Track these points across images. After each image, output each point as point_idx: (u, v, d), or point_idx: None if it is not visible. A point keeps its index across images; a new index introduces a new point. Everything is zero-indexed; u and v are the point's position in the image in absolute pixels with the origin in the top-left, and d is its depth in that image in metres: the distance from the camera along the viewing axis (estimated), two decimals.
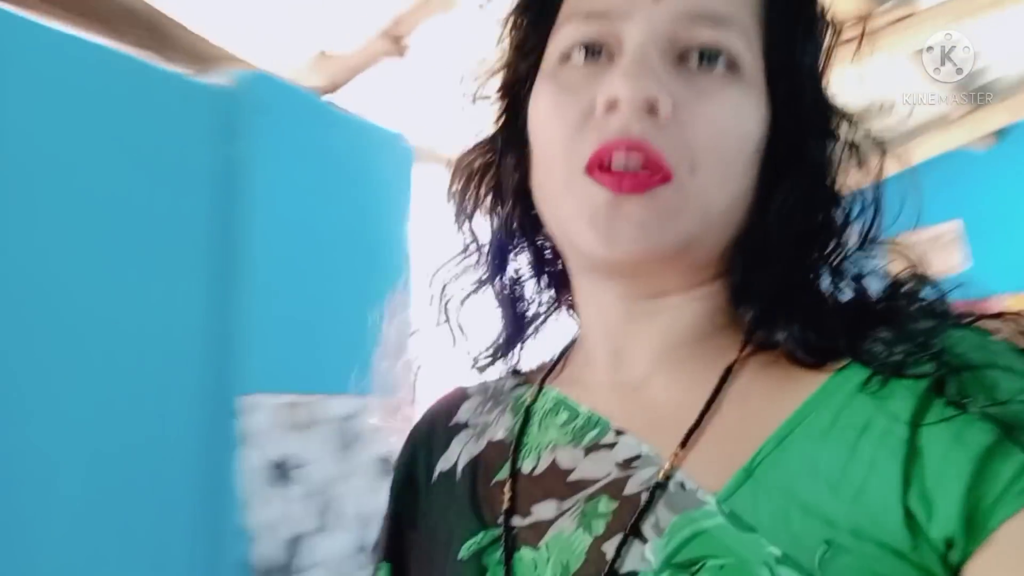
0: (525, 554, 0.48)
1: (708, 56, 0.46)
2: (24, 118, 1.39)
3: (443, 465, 0.57)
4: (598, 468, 0.48)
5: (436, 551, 0.53)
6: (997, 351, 0.43)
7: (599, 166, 0.45)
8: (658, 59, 0.45)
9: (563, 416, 0.53)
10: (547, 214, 0.51)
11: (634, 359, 0.52)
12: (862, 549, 0.40)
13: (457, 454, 0.56)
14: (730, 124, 0.46)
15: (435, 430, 0.60)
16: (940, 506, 0.39)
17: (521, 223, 0.56)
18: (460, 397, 0.61)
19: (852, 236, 0.49)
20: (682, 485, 0.46)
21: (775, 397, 0.46)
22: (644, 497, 0.45)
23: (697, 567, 0.42)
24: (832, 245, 0.49)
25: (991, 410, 0.39)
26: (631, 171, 0.44)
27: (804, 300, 0.48)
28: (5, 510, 1.30)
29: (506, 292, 0.58)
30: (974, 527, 0.38)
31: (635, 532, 0.45)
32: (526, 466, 0.52)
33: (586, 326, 0.55)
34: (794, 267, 0.48)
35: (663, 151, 0.44)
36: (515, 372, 0.60)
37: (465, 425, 0.58)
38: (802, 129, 0.49)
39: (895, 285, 0.48)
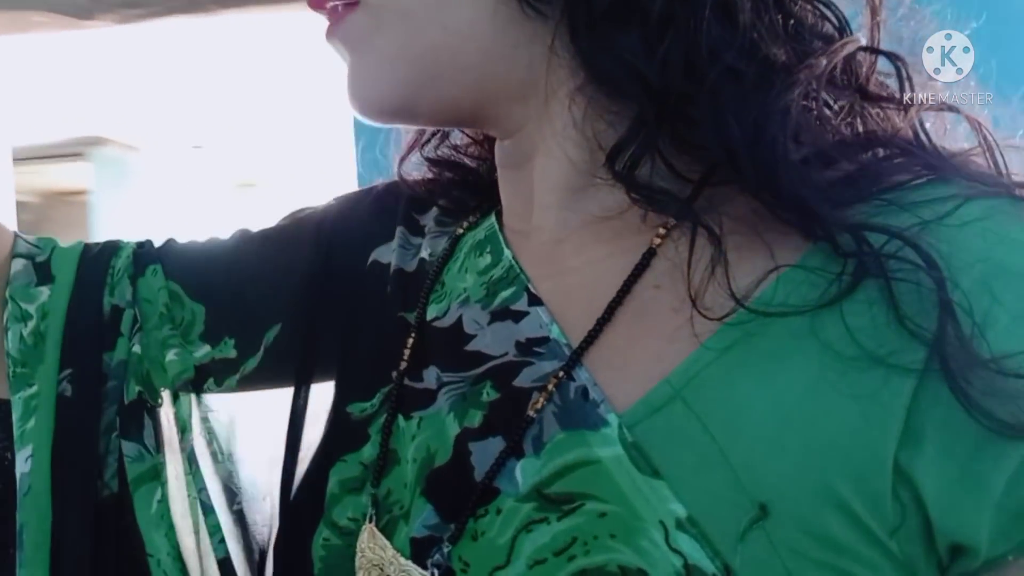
0: (403, 424, 0.40)
1: None
2: None
3: (382, 256, 0.47)
4: (497, 344, 0.38)
5: (349, 367, 0.45)
6: None
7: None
8: None
9: (486, 259, 0.42)
10: None
11: (541, 207, 0.40)
12: (812, 520, 0.28)
13: (393, 255, 0.46)
14: None
15: (394, 209, 0.48)
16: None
17: None
18: (441, 191, 0.48)
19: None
20: (584, 392, 0.34)
21: (732, 275, 0.32)
22: (533, 398, 0.35)
23: (571, 507, 0.31)
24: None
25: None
26: (329, 12, 0.39)
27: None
28: None
29: None
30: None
31: (510, 440, 0.35)
32: (433, 312, 0.42)
33: None
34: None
35: None
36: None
37: (421, 231, 0.47)
38: None
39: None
